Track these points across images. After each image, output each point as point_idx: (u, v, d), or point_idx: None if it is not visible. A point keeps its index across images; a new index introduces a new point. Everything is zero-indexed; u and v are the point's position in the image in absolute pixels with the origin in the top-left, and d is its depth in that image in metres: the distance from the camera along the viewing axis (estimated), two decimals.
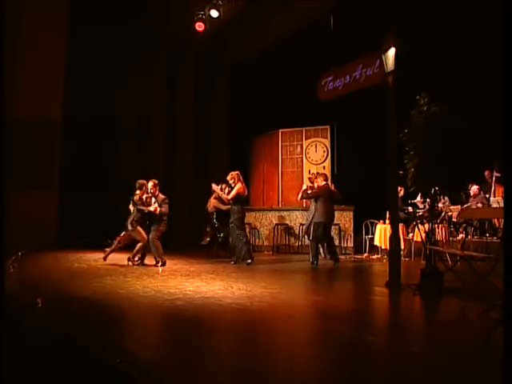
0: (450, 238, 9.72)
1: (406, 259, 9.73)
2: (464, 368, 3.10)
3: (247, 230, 12.13)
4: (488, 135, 6.67)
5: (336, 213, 10.24)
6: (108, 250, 8.95)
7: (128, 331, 4.17)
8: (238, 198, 9.18)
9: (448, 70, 9.99)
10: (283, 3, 12.19)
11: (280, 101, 13.86)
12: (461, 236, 9.51)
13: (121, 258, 8.74)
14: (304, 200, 13.91)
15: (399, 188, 9.87)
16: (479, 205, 9.96)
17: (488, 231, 9.77)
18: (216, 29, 13.19)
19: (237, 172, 9.43)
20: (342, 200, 10.27)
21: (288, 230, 12.88)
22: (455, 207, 10.29)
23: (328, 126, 13.93)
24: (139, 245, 8.50)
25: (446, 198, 10.67)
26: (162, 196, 8.78)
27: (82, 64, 11.78)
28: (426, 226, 6.74)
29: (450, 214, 10.30)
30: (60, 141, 11.52)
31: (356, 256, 11.13)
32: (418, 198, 10.53)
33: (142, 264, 8.57)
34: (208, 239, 10.90)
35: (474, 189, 10.37)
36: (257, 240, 13.18)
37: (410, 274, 7.26)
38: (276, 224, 13.04)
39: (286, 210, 13.29)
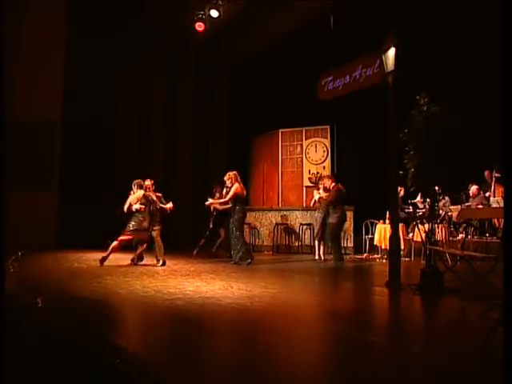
0: (450, 238, 9.72)
1: (406, 259, 9.73)
2: (464, 368, 3.10)
3: (247, 229, 12.17)
4: (488, 135, 6.66)
5: None
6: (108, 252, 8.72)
7: (128, 331, 4.17)
8: (237, 198, 9.17)
9: (448, 70, 9.99)
10: (283, 3, 12.19)
11: (280, 101, 13.86)
12: (461, 236, 9.50)
13: (121, 258, 8.74)
14: (304, 200, 13.98)
15: (399, 188, 9.88)
16: (480, 206, 9.96)
17: (488, 231, 9.77)
18: (216, 29, 13.19)
19: (234, 172, 9.44)
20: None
21: (288, 229, 12.89)
22: (455, 207, 10.29)
23: (328, 126, 13.94)
24: (144, 245, 8.53)
25: (447, 198, 10.67)
26: (158, 194, 8.85)
27: (81, 64, 11.78)
28: (426, 225, 6.74)
29: (450, 213, 10.30)
30: (60, 141, 11.51)
31: (356, 256, 11.14)
32: (418, 198, 10.54)
33: (136, 264, 8.56)
34: (196, 251, 10.81)
35: (473, 189, 10.37)
36: (257, 240, 13.18)
37: (409, 273, 7.25)
38: (276, 224, 13.04)
39: (286, 210, 13.29)
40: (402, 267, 6.56)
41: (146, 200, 8.51)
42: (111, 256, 8.31)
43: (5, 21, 6.09)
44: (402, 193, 10.36)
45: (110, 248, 8.25)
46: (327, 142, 13.94)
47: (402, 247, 8.91)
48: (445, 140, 6.02)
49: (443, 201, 10.56)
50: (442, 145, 6.04)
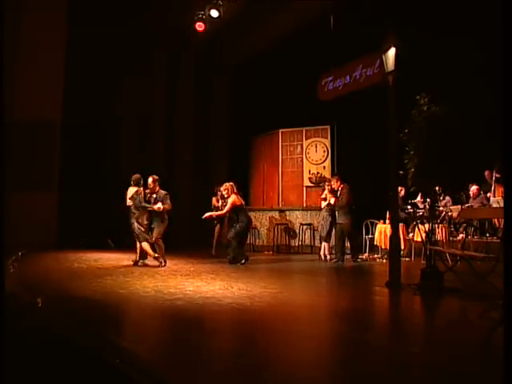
0: (450, 238, 9.71)
1: (406, 259, 9.72)
2: (464, 368, 3.09)
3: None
4: (488, 135, 6.66)
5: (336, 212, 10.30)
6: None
7: (128, 331, 4.17)
8: (235, 209, 9.28)
9: (448, 70, 9.99)
10: (283, 3, 12.19)
11: (280, 101, 13.85)
12: (461, 236, 9.49)
13: (121, 257, 8.74)
14: (304, 200, 13.99)
15: (400, 188, 9.88)
16: (481, 206, 9.96)
17: (488, 231, 9.77)
18: (216, 29, 13.19)
19: (231, 184, 9.52)
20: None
21: (288, 229, 12.88)
22: (455, 207, 10.29)
23: (328, 126, 13.93)
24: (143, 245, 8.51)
25: (448, 198, 10.67)
26: (162, 192, 8.59)
27: (81, 64, 11.78)
28: (426, 225, 6.74)
29: (450, 213, 10.29)
30: (60, 141, 11.51)
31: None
32: (419, 198, 10.53)
33: (136, 264, 8.53)
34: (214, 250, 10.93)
35: (473, 189, 10.36)
36: (257, 240, 13.18)
37: (410, 273, 7.25)
38: (276, 224, 13.04)
39: (286, 210, 13.29)
40: (402, 267, 6.56)
41: (136, 196, 8.51)
42: (111, 256, 8.31)
43: (5, 21, 6.07)
44: (402, 193, 10.35)
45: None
46: (327, 141, 13.93)
47: (402, 247, 8.91)
48: (445, 140, 6.02)
49: (444, 201, 10.55)
50: (442, 145, 6.03)
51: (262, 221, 13.35)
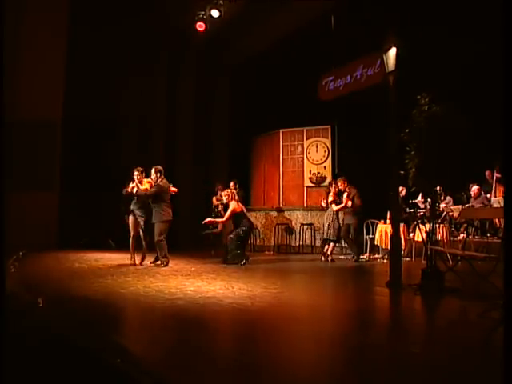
0: (451, 238, 9.71)
1: (407, 259, 9.73)
2: (465, 368, 3.09)
3: None
4: (489, 135, 6.66)
5: None
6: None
7: (129, 331, 4.17)
8: (239, 215, 9.34)
9: (449, 70, 9.99)
10: (284, 3, 12.18)
11: (281, 101, 13.85)
12: (462, 236, 9.50)
13: (121, 257, 8.74)
14: (305, 200, 13.98)
15: (401, 188, 9.89)
16: (481, 206, 9.96)
17: (489, 231, 9.77)
18: (217, 29, 13.19)
19: (232, 191, 9.66)
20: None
21: (289, 229, 12.88)
22: (456, 207, 10.29)
23: (329, 126, 13.93)
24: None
25: (448, 198, 10.67)
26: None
27: (82, 64, 11.77)
28: (427, 225, 6.74)
29: (450, 213, 10.29)
30: (60, 141, 11.51)
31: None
32: (419, 198, 10.53)
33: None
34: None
35: (474, 189, 10.36)
36: (257, 240, 13.18)
37: (410, 273, 7.26)
38: (277, 224, 13.04)
39: (287, 210, 13.30)
40: (402, 267, 6.56)
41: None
42: (112, 256, 8.30)
43: (5, 21, 6.08)
44: (403, 193, 10.37)
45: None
46: (328, 141, 13.93)
47: (403, 247, 8.91)
48: (446, 140, 6.01)
49: (445, 201, 10.55)
50: (442, 145, 6.03)
51: (262, 221, 13.35)
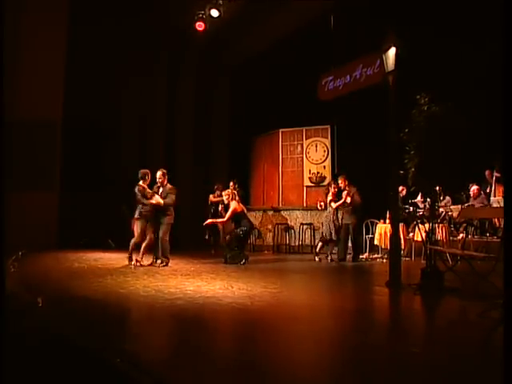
0: (451, 238, 9.71)
1: (407, 259, 9.73)
2: (464, 368, 3.09)
3: None
4: (488, 135, 6.66)
5: None
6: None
7: (128, 331, 4.17)
8: (239, 215, 9.34)
9: (449, 70, 9.98)
10: (283, 3, 12.19)
11: (280, 100, 13.85)
12: (461, 236, 9.50)
13: (121, 257, 8.73)
14: (305, 199, 13.99)
15: (401, 188, 9.90)
16: (481, 206, 9.96)
17: (488, 231, 9.77)
18: (216, 28, 13.19)
19: (233, 191, 9.62)
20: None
21: (288, 229, 12.89)
22: (455, 207, 10.28)
23: (328, 126, 13.94)
24: (143, 244, 8.39)
25: (448, 198, 10.67)
26: (169, 186, 8.53)
27: (82, 64, 11.78)
28: (427, 225, 6.74)
29: (450, 213, 10.29)
30: (60, 141, 11.51)
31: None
32: (419, 198, 10.53)
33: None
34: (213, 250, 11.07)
35: (473, 189, 10.35)
36: (257, 240, 13.18)
37: (410, 273, 7.26)
38: (276, 223, 13.05)
39: (287, 210, 13.30)
40: (402, 267, 6.57)
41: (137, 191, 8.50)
42: (112, 255, 8.29)
43: (5, 21, 6.07)
44: (403, 192, 10.37)
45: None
46: (327, 141, 13.94)
47: (403, 247, 8.92)
48: (445, 140, 6.02)
49: (444, 200, 10.55)
50: (442, 144, 6.03)
51: (262, 220, 13.36)
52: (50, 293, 5.33)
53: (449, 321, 4.74)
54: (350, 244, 10.40)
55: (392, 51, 6.58)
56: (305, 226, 12.53)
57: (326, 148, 13.94)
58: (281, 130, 14.61)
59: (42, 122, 11.04)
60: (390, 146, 6.59)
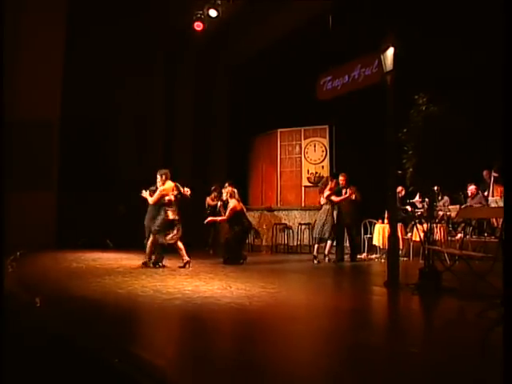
0: (449, 238, 9.72)
1: (405, 259, 9.74)
2: (462, 368, 3.10)
3: None
4: (486, 135, 6.67)
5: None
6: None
7: (127, 331, 4.17)
8: (239, 214, 9.29)
9: (447, 70, 9.99)
10: (282, 3, 12.19)
11: (279, 100, 13.85)
12: (459, 236, 9.50)
13: (120, 257, 8.73)
14: (303, 199, 13.99)
15: (400, 188, 9.90)
16: (479, 206, 9.97)
17: (486, 231, 9.77)
18: (215, 28, 13.19)
19: (233, 189, 9.53)
20: None
21: (286, 229, 12.89)
22: (453, 207, 10.29)
23: (327, 126, 13.95)
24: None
25: (446, 198, 10.67)
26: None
27: (80, 64, 11.77)
28: (425, 225, 6.74)
29: (448, 213, 10.30)
30: (58, 141, 11.50)
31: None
32: (417, 198, 10.54)
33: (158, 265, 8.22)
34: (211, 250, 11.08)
35: (471, 189, 10.36)
36: (255, 240, 13.18)
37: (408, 273, 7.27)
38: (274, 223, 13.05)
39: (285, 210, 13.31)
40: (400, 267, 6.57)
41: (178, 190, 8.39)
42: (110, 255, 8.27)
43: (5, 21, 6.07)
44: (402, 193, 10.38)
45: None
46: (326, 141, 13.94)
47: (401, 247, 8.93)
48: (443, 140, 6.02)
49: (443, 200, 10.56)
50: (440, 144, 6.04)
51: (260, 220, 13.36)
52: (48, 293, 5.33)
53: (447, 321, 4.75)
54: (347, 244, 10.40)
55: (390, 51, 6.59)
56: (303, 226, 12.53)
57: (324, 148, 13.95)
58: (279, 130, 14.61)
59: (39, 122, 11.04)
60: (388, 146, 6.59)
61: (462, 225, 9.43)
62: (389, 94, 6.63)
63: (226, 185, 10.40)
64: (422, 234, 6.69)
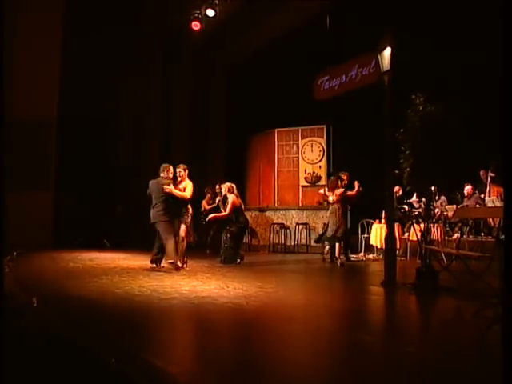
0: (446, 238, 9.73)
1: (402, 258, 9.76)
2: (459, 367, 3.10)
3: None
4: (484, 135, 6.69)
5: None
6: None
7: (124, 331, 4.16)
8: (237, 210, 9.25)
9: (444, 70, 10.01)
10: (279, 3, 12.20)
11: (276, 100, 13.87)
12: (456, 235, 9.52)
13: (117, 257, 8.72)
14: (300, 199, 14.01)
15: (397, 188, 9.90)
16: (477, 206, 9.98)
17: (483, 230, 9.79)
18: (212, 28, 13.19)
19: (232, 184, 9.43)
20: None
21: (284, 229, 12.89)
22: (450, 207, 10.31)
23: (324, 126, 13.96)
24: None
25: (443, 197, 10.69)
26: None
27: (77, 64, 11.75)
28: (422, 225, 6.75)
29: (445, 213, 10.32)
30: (56, 140, 11.48)
31: (352, 255, 11.11)
32: (414, 198, 10.55)
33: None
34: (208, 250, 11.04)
35: (467, 188, 10.38)
36: (253, 239, 13.18)
37: (405, 273, 7.28)
38: (272, 223, 13.05)
39: (282, 210, 13.31)
40: (397, 266, 6.57)
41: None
42: (107, 255, 8.25)
43: (4, 21, 6.05)
44: (400, 192, 10.39)
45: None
46: (323, 141, 13.96)
47: (398, 246, 8.93)
48: (440, 140, 6.03)
49: (440, 200, 10.58)
50: (437, 144, 6.05)
51: (257, 220, 13.36)
52: (45, 293, 5.32)
53: (444, 320, 4.76)
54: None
55: (387, 51, 6.59)
56: (300, 226, 12.53)
57: (321, 148, 13.96)
58: (276, 130, 14.62)
59: (36, 122, 11.01)
60: (385, 146, 6.60)
61: (459, 224, 9.45)
62: (386, 94, 6.63)
63: (217, 187, 10.37)
64: (419, 234, 6.70)
